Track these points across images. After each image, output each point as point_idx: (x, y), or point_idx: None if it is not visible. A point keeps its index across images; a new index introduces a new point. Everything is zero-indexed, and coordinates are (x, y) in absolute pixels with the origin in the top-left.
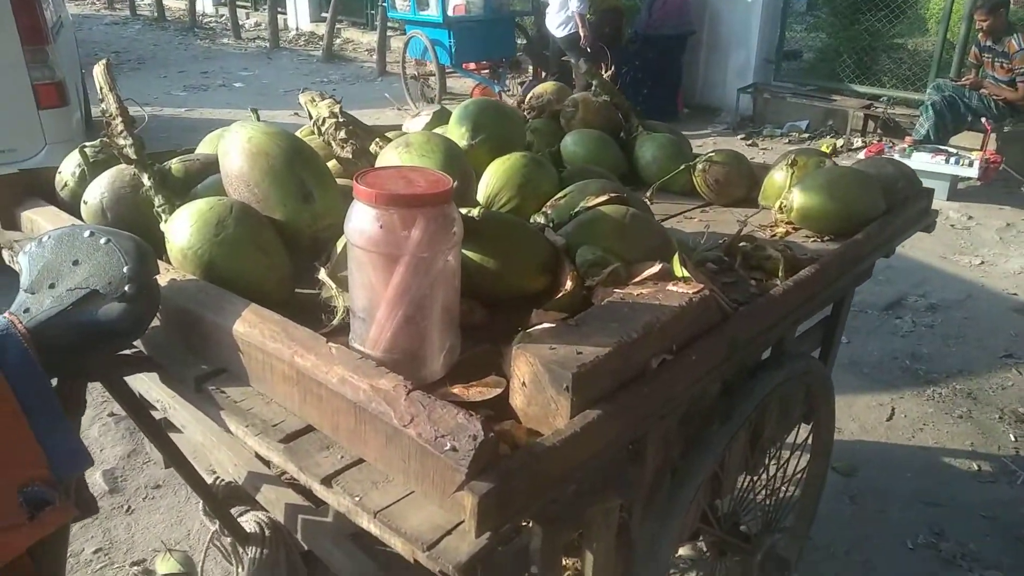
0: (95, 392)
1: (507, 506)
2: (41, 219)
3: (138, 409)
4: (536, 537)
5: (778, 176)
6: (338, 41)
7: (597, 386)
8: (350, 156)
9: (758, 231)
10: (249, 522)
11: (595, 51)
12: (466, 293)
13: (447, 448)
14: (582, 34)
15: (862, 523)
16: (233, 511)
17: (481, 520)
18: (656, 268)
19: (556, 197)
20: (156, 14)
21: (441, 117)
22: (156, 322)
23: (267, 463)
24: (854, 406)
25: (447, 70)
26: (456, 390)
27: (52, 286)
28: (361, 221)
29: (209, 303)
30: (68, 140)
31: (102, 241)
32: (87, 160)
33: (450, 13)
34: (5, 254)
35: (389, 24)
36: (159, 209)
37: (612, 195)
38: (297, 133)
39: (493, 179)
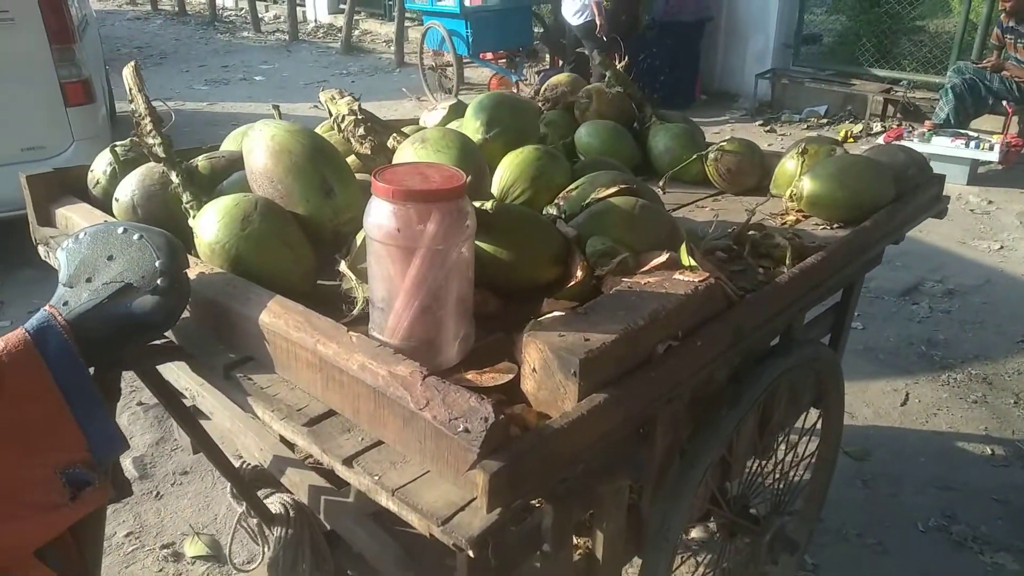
0: (124, 382)
1: (517, 484)
2: (75, 216)
3: (169, 396)
4: (547, 516)
5: (789, 164)
6: (356, 33)
7: (604, 371)
8: (369, 152)
9: (769, 219)
10: (275, 504)
11: (611, 39)
12: (480, 284)
13: (460, 430)
14: (598, 22)
15: (874, 507)
16: (259, 493)
17: (492, 497)
18: (664, 257)
19: (568, 189)
20: (177, 8)
21: (457, 110)
22: (186, 314)
23: (291, 447)
24: (868, 391)
25: (464, 60)
26: (470, 376)
27: (89, 280)
28: (379, 216)
29: (236, 295)
30: (95, 136)
31: (135, 237)
32: (118, 159)
33: (467, 3)
34: (41, 249)
35: (407, 15)
36: (187, 205)
37: (622, 186)
38: (317, 129)
39: (507, 172)
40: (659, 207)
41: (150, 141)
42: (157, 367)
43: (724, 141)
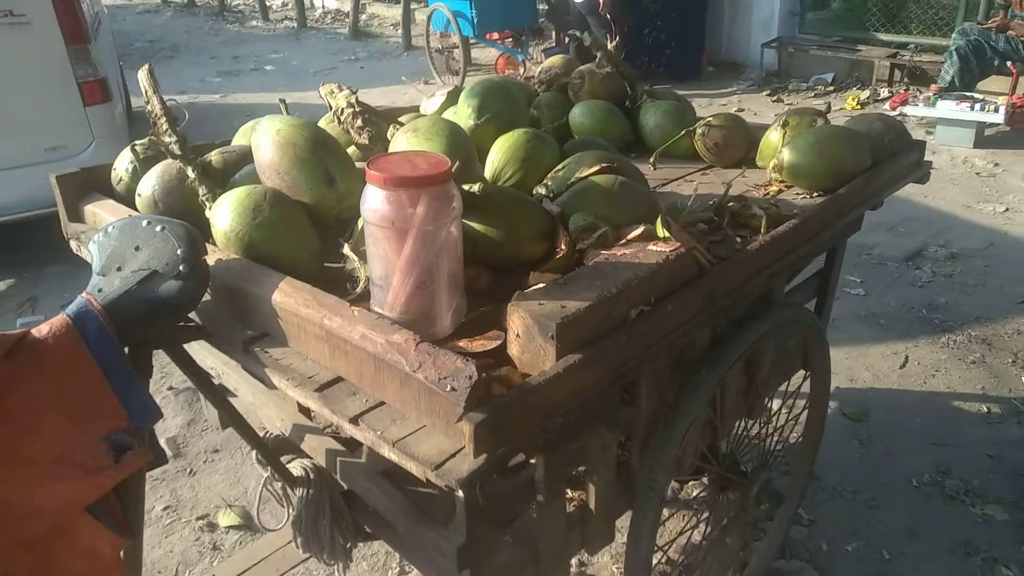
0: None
1: (500, 433)
2: (102, 211)
3: (197, 372)
4: (540, 468)
5: (773, 137)
6: (364, 17)
7: (579, 334)
8: (367, 142)
9: (753, 191)
10: (296, 468)
11: (614, 16)
12: (473, 261)
13: (448, 388)
14: (601, 0)
15: (870, 465)
16: (282, 459)
17: (478, 444)
18: (640, 230)
19: (556, 169)
20: (186, 0)
21: (454, 97)
22: (207, 297)
23: (309, 416)
24: (868, 356)
25: (471, 41)
26: (462, 343)
27: (119, 269)
28: (374, 202)
29: (251, 278)
30: (113, 134)
31: (158, 229)
32: (138, 157)
33: None
34: (73, 244)
35: None
36: (203, 198)
37: (603, 166)
38: (320, 121)
39: (498, 155)
40: (638, 184)
41: (167, 140)
42: (184, 346)
43: (711, 116)
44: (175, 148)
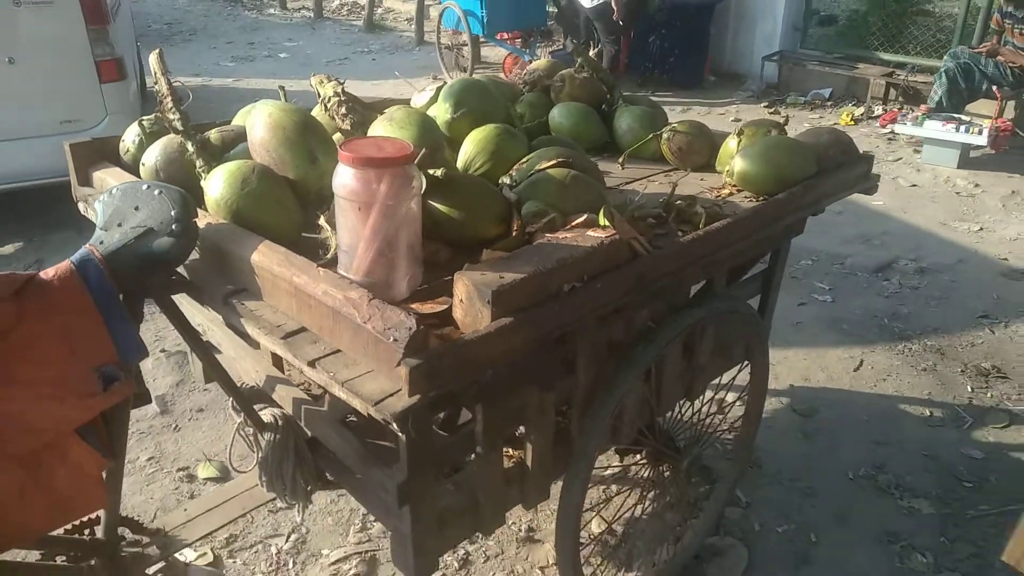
0: (148, 334)
1: (432, 378)
2: (109, 178)
3: (184, 323)
4: (478, 421)
5: (731, 144)
6: (379, 11)
7: (514, 302)
8: (349, 128)
9: (707, 192)
10: (266, 415)
11: (626, 23)
12: (435, 237)
13: (391, 339)
14: (614, 6)
15: (812, 457)
16: (255, 408)
17: (412, 386)
18: (583, 218)
19: (520, 162)
20: None
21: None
22: (195, 255)
23: (281, 369)
24: (825, 358)
25: (480, 40)
26: (415, 306)
27: (119, 225)
28: (344, 178)
29: (235, 240)
30: (127, 110)
31: (156, 192)
32: (144, 131)
33: None
34: (81, 205)
35: None
36: (200, 170)
37: (560, 160)
38: (315, 110)
39: (470, 146)
40: (589, 178)
41: (171, 116)
42: (175, 303)
43: (676, 123)
44: (178, 124)
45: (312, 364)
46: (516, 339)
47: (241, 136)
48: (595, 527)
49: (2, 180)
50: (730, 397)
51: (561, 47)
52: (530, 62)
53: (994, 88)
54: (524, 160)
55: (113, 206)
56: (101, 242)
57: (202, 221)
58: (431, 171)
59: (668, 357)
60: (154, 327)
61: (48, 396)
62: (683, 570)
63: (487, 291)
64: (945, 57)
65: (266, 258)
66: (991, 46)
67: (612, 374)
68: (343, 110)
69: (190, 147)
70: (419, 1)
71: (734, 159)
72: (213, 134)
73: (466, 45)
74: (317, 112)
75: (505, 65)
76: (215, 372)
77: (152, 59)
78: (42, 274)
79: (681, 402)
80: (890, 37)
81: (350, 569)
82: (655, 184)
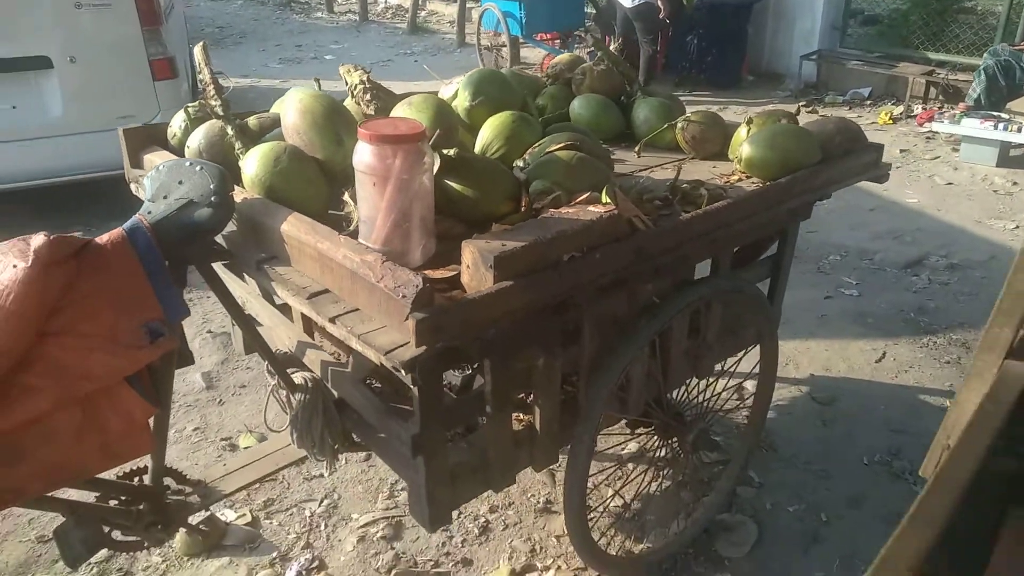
0: (195, 316)
1: (438, 331)
2: (157, 159)
3: (224, 292)
4: (487, 382)
5: (742, 132)
6: (423, 14)
7: (515, 267)
8: (373, 112)
9: (718, 179)
10: (298, 377)
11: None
12: (450, 214)
13: (401, 296)
14: (661, 6)
15: (828, 443)
16: (288, 371)
17: (419, 337)
18: (586, 195)
19: (533, 146)
20: None
21: None
22: (232, 227)
23: (311, 336)
24: (848, 349)
25: (519, 41)
26: (427, 272)
27: (165, 197)
28: (363, 154)
29: (267, 213)
30: (178, 106)
31: (197, 168)
32: (189, 117)
33: None
34: (132, 185)
35: None
36: (238, 151)
37: (567, 144)
38: (346, 102)
39: (487, 132)
40: (595, 160)
41: (213, 103)
42: (218, 277)
43: (691, 112)
44: (219, 110)
45: (333, 320)
46: (516, 301)
47: (277, 123)
48: (609, 500)
49: (65, 172)
50: (739, 381)
51: None
52: None
53: None
54: (536, 144)
55: (160, 180)
56: (149, 212)
57: (238, 196)
58: (445, 151)
59: (673, 333)
60: (201, 310)
61: (101, 347)
62: (693, 543)
63: (490, 256)
64: (985, 55)
65: (294, 227)
66: None
67: (616, 345)
68: (367, 96)
69: (229, 131)
70: (461, 3)
71: (742, 146)
72: (252, 120)
73: (505, 46)
74: (349, 103)
75: (543, 66)
76: (253, 338)
77: (196, 51)
78: (98, 239)
79: (691, 380)
80: (931, 35)
81: (377, 532)
82: (668, 171)
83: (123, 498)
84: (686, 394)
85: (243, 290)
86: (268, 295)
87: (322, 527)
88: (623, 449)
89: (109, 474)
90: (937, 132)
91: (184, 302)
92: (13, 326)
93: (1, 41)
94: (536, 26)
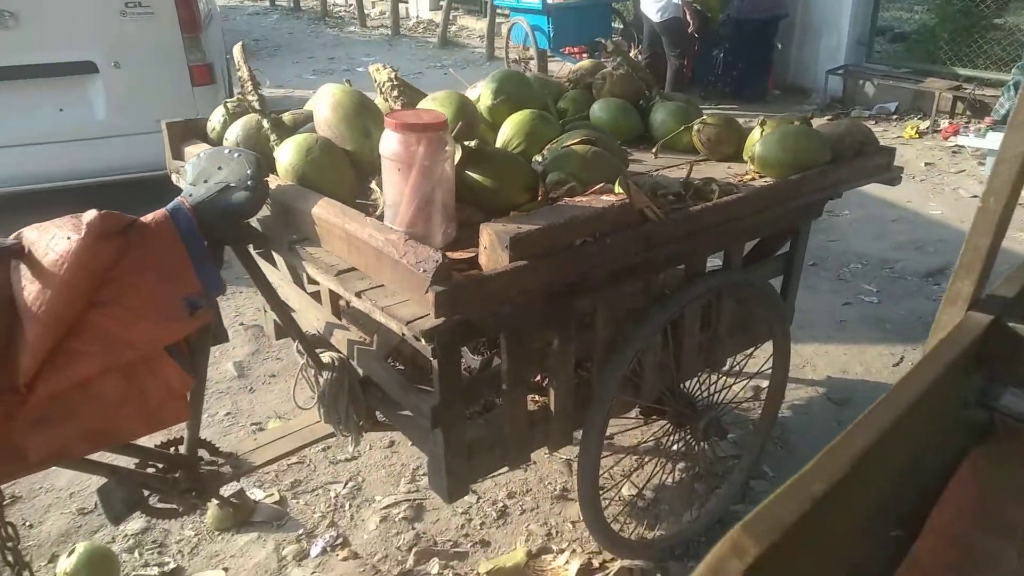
0: (229, 310)
1: (456, 303)
2: (196, 151)
3: (258, 274)
4: (503, 361)
5: (756, 134)
6: (453, 28)
7: (529, 249)
8: (399, 108)
9: (732, 178)
10: (325, 357)
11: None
12: (472, 203)
13: (422, 271)
14: (688, 19)
15: None
16: (317, 351)
17: (438, 309)
18: (599, 186)
19: (552, 141)
20: (292, 4)
21: None
22: (266, 211)
23: (339, 317)
24: (866, 353)
25: (547, 54)
26: (447, 253)
27: (205, 181)
28: (389, 142)
29: (299, 198)
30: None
31: (235, 155)
32: (228, 112)
33: (549, 0)
34: (174, 176)
35: (498, 11)
36: (273, 143)
37: (583, 139)
38: (376, 100)
39: (508, 128)
40: (609, 155)
41: (250, 98)
42: (253, 259)
43: (707, 115)
44: (256, 105)
45: (359, 295)
46: (530, 281)
47: (309, 119)
48: (624, 491)
49: (107, 172)
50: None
51: None
52: None
53: None
54: (555, 140)
55: (200, 166)
56: (190, 195)
57: (272, 183)
58: (466, 142)
59: (685, 325)
60: (234, 304)
61: (144, 317)
62: (706, 532)
63: (506, 237)
64: (1014, 69)
65: (323, 210)
66: None
67: (628, 331)
68: (395, 92)
69: (265, 124)
70: (491, 18)
71: (755, 146)
72: (286, 116)
73: (533, 59)
74: (378, 100)
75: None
76: (284, 318)
77: (236, 50)
78: (143, 218)
79: (704, 374)
80: (959, 51)
81: (399, 513)
82: (683, 171)
83: (160, 465)
84: (699, 386)
85: (276, 276)
86: (299, 280)
87: (346, 507)
88: (639, 444)
89: (148, 442)
90: (963, 146)
91: (221, 278)
92: (66, 295)
93: (50, 47)
94: (564, 40)
